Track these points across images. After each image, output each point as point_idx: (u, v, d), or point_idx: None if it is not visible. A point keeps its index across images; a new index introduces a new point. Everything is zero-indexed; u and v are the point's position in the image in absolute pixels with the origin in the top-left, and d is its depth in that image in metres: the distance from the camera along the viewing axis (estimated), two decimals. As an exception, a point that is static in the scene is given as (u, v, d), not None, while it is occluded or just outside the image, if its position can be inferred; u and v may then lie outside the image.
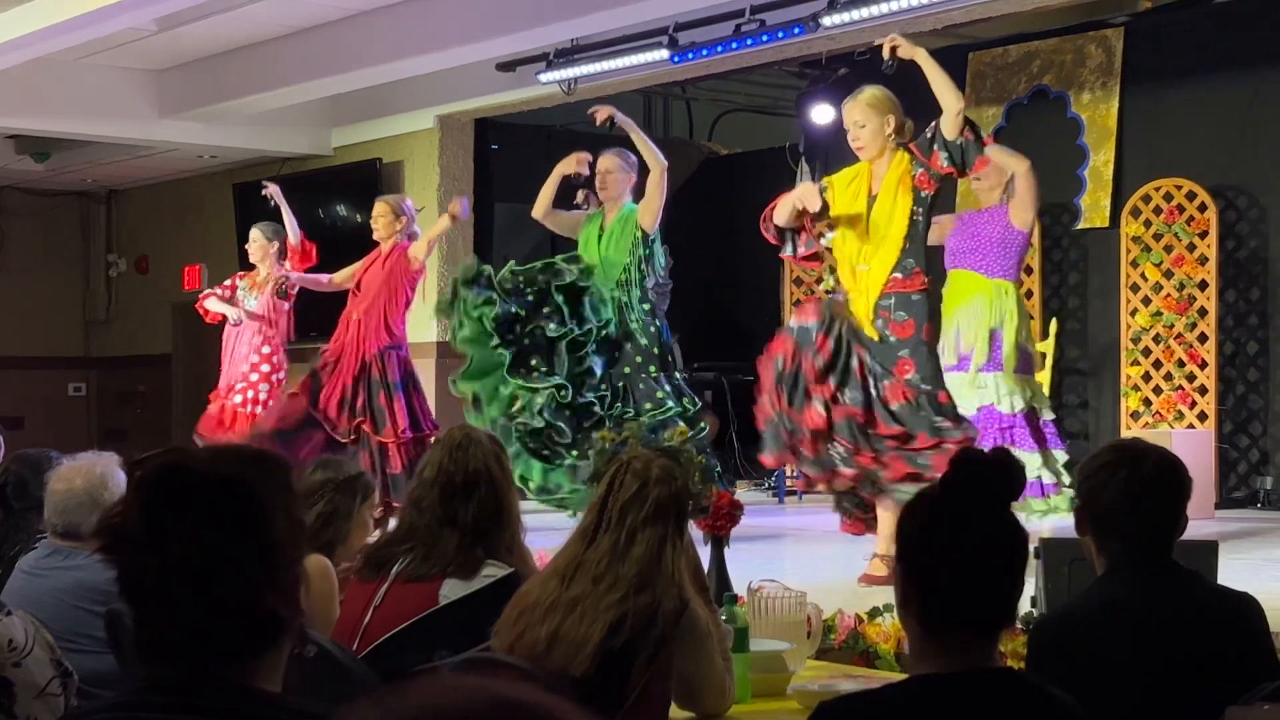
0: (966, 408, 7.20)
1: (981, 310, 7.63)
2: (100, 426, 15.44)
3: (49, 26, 9.30)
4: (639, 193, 8.35)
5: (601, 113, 8.31)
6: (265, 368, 9.79)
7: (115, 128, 12.02)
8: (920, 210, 6.47)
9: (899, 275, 6.43)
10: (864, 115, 6.52)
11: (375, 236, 9.14)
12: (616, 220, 8.24)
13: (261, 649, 1.96)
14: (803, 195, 6.57)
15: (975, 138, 6.44)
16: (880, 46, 6.74)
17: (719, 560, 5.42)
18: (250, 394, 9.70)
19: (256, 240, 9.96)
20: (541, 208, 8.56)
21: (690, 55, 9.52)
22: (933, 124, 6.47)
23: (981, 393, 7.57)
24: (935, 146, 6.41)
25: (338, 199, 12.60)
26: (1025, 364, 7.75)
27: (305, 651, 3.17)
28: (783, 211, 6.68)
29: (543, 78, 10.29)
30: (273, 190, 9.99)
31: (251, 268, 10.10)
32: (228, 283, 10.10)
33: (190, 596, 1.90)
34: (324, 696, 3.26)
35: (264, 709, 1.94)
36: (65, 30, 9.42)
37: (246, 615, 1.93)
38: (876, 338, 6.43)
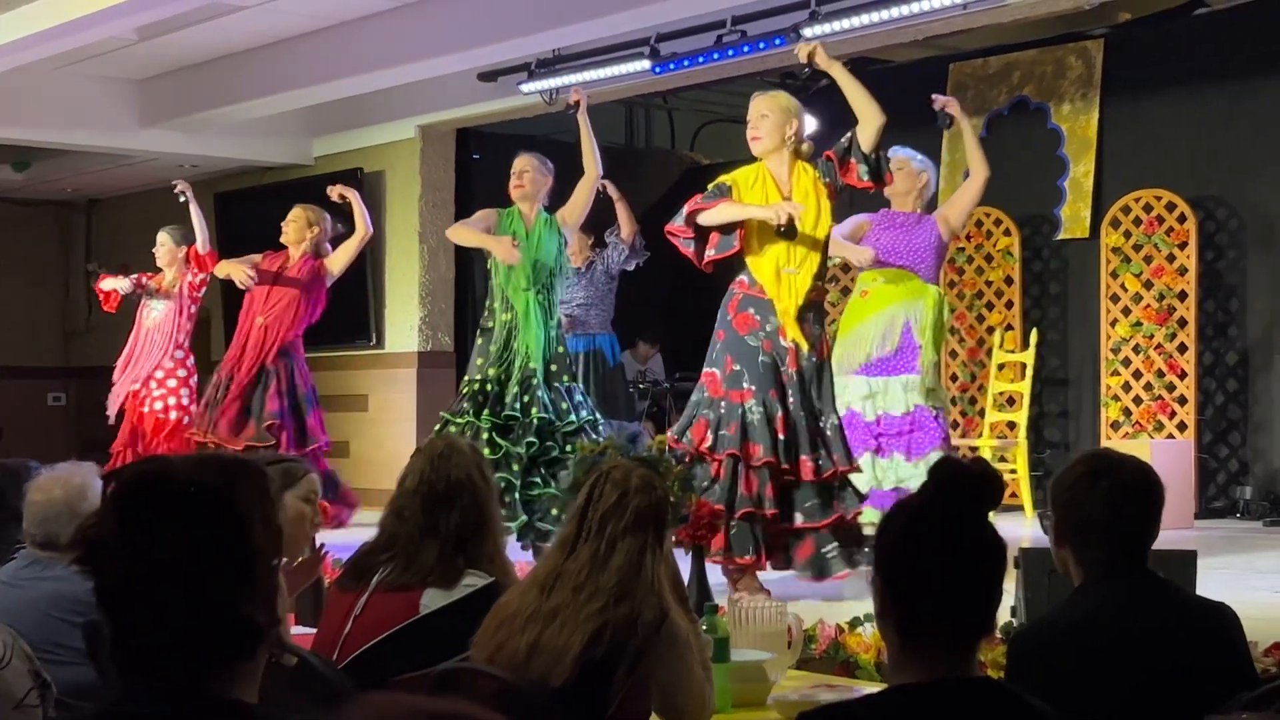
0: (901, 407, 7.30)
1: (926, 314, 7.49)
2: (79, 437, 15.37)
3: (29, 35, 9.27)
4: (554, 199, 8.22)
5: (577, 95, 8.25)
6: (181, 372, 9.72)
7: (96, 137, 11.98)
8: (834, 223, 6.58)
9: (819, 283, 6.52)
10: (770, 108, 6.58)
11: (284, 239, 9.12)
12: (541, 222, 8.04)
13: (239, 658, 1.96)
14: (791, 209, 6.37)
15: (883, 152, 6.53)
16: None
17: (700, 570, 5.43)
18: (171, 400, 9.64)
19: (165, 244, 9.92)
20: (457, 237, 8.42)
21: (672, 65, 9.54)
22: (848, 135, 6.50)
23: (909, 396, 7.45)
24: (852, 158, 6.44)
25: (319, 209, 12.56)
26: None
27: (283, 660, 3.16)
28: (728, 216, 6.50)
29: (524, 88, 10.29)
30: (184, 187, 9.96)
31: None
32: (134, 275, 9.97)
33: (168, 606, 1.89)
34: (304, 707, 3.26)
35: (239, 719, 1.93)
36: (46, 39, 9.39)
37: (224, 624, 1.92)
38: (805, 344, 6.41)
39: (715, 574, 5.52)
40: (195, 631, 1.91)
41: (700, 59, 9.39)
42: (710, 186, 6.66)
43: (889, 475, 7.21)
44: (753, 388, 6.40)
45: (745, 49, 9.15)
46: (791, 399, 6.36)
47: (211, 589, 1.91)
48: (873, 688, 3.86)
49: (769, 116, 6.54)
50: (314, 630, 4.22)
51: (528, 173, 8.06)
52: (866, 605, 5.08)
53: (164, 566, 1.89)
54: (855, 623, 5.20)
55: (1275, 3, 9.55)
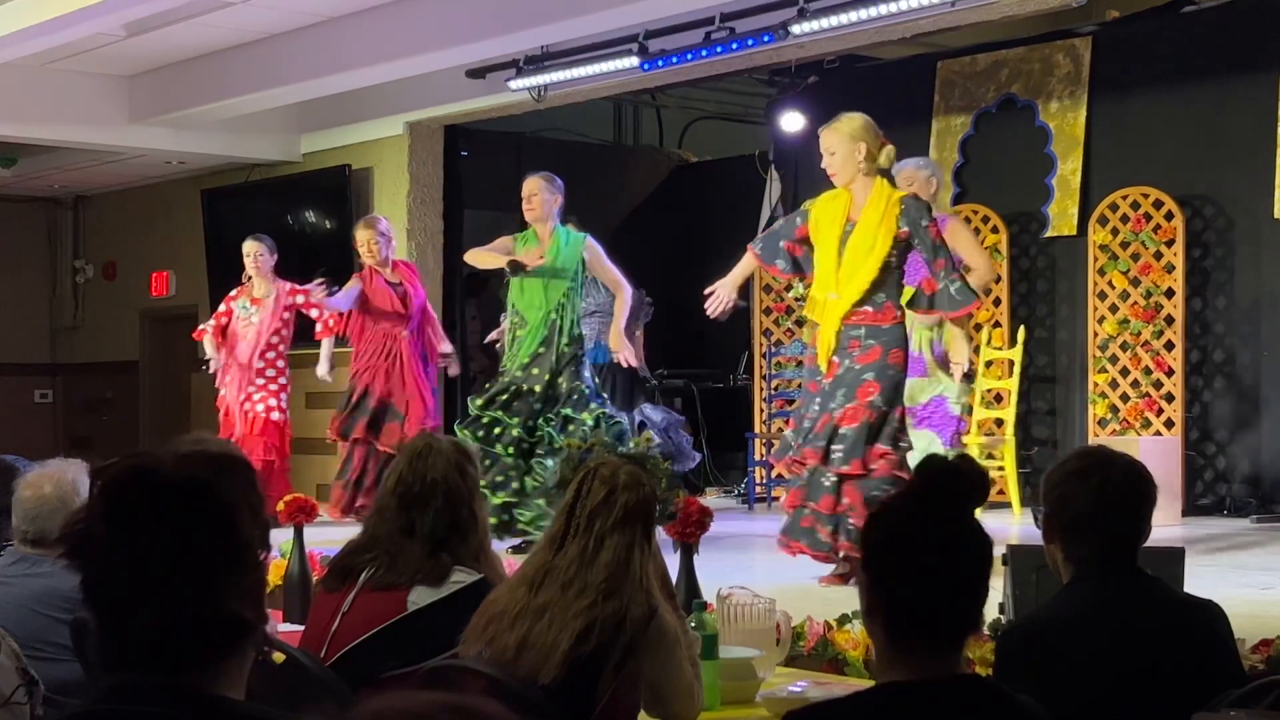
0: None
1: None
2: (66, 434, 15.35)
3: (17, 31, 9.25)
4: (565, 214, 8.37)
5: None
6: (282, 380, 9.96)
7: (83, 133, 11.95)
8: (895, 254, 6.49)
9: (869, 309, 6.46)
10: (835, 143, 6.52)
11: (371, 262, 9.41)
12: (560, 239, 8.20)
13: (225, 654, 1.95)
14: (720, 303, 6.86)
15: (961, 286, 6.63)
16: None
17: (688, 567, 5.41)
18: (272, 401, 9.87)
19: (255, 254, 9.92)
20: (476, 260, 8.43)
21: (660, 62, 9.53)
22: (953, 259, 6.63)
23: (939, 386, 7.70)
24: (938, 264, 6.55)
25: (306, 206, 12.56)
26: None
27: (269, 657, 3.16)
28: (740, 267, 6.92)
29: (513, 84, 10.28)
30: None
31: (235, 280, 10.11)
32: (223, 309, 10.09)
33: (155, 602, 1.89)
34: (293, 704, 3.26)
35: (227, 716, 1.93)
36: (33, 35, 9.37)
37: (211, 619, 1.92)
38: (826, 372, 6.52)
39: (704, 570, 5.50)
40: (182, 627, 1.90)
41: (689, 56, 9.38)
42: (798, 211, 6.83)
43: None
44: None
45: (734, 46, 9.15)
46: (817, 404, 6.53)
47: (199, 584, 1.90)
48: (861, 685, 3.87)
49: (836, 153, 6.51)
50: (301, 628, 4.22)
51: (536, 195, 8.18)
52: (854, 602, 5.08)
53: (151, 561, 1.89)
54: (843, 620, 5.20)
55: (1262, 1, 9.57)
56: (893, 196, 6.47)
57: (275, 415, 9.86)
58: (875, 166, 6.51)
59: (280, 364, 9.95)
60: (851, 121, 6.54)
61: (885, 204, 6.45)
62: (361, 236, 9.55)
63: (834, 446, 6.39)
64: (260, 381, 9.86)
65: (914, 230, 6.45)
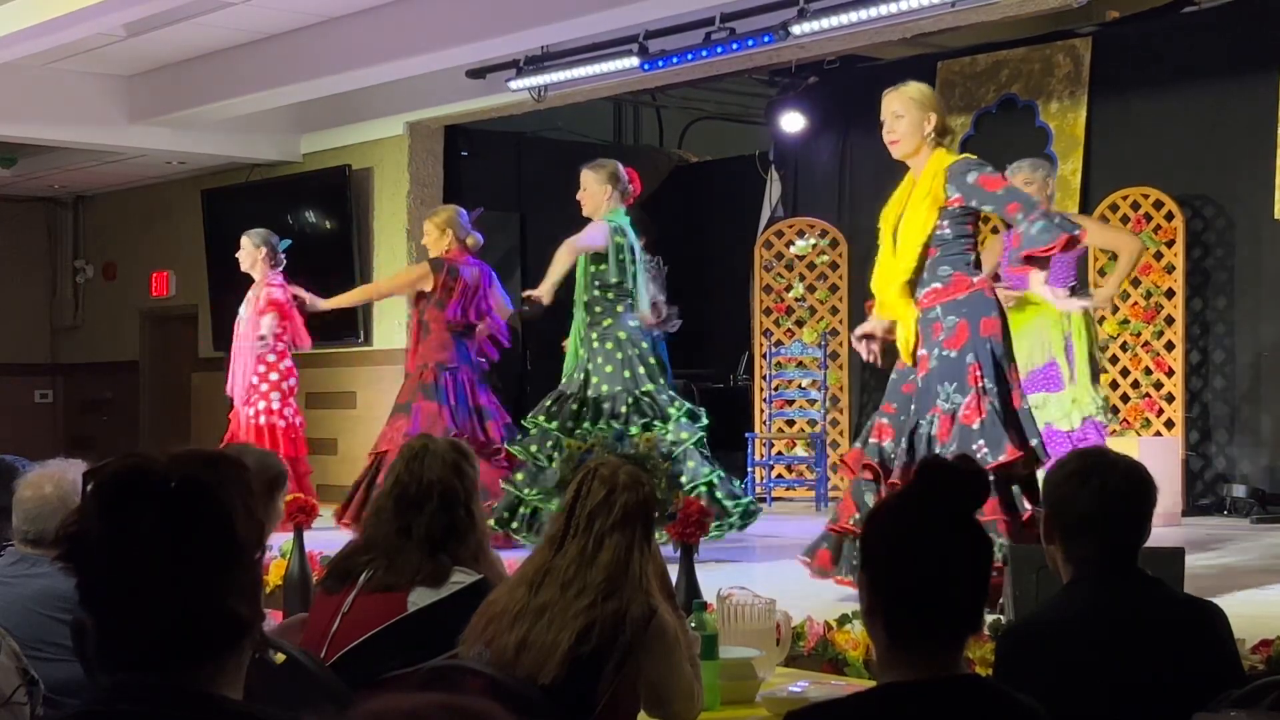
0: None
1: (1079, 325, 7.63)
2: (66, 434, 15.34)
3: (17, 31, 9.25)
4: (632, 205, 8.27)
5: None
6: (274, 376, 9.74)
7: (83, 133, 11.95)
8: (949, 224, 5.87)
9: (937, 285, 5.85)
10: (904, 106, 5.92)
11: (431, 253, 9.11)
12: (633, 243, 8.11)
13: (223, 652, 1.95)
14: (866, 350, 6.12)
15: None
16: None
17: (688, 567, 5.42)
18: (263, 404, 9.68)
19: (245, 248, 9.84)
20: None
21: (660, 63, 9.53)
22: (1038, 216, 5.85)
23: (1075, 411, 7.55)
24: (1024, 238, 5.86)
25: (306, 206, 12.56)
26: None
27: (267, 656, 3.16)
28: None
29: (513, 85, 10.28)
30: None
31: (236, 279, 10.06)
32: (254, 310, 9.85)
33: (151, 601, 1.89)
34: (294, 704, 3.26)
35: (226, 715, 1.93)
36: (34, 35, 9.37)
37: (208, 618, 1.92)
38: (911, 361, 5.90)
39: (704, 571, 5.50)
40: (179, 626, 1.90)
41: (689, 56, 9.38)
42: None
43: None
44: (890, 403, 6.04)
45: (734, 46, 9.15)
46: (914, 405, 5.87)
47: (194, 583, 1.90)
48: (861, 685, 3.87)
49: (904, 116, 5.91)
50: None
51: (584, 190, 8.05)
52: (856, 603, 5.08)
53: (146, 561, 1.89)
54: (844, 620, 5.20)
55: (1262, 1, 9.57)
56: (940, 164, 5.87)
57: (277, 420, 9.65)
58: (940, 142, 5.95)
59: (264, 366, 9.71)
60: (922, 88, 5.99)
61: (932, 176, 5.88)
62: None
63: (974, 446, 5.63)
64: (253, 380, 9.68)
65: (965, 192, 5.82)
